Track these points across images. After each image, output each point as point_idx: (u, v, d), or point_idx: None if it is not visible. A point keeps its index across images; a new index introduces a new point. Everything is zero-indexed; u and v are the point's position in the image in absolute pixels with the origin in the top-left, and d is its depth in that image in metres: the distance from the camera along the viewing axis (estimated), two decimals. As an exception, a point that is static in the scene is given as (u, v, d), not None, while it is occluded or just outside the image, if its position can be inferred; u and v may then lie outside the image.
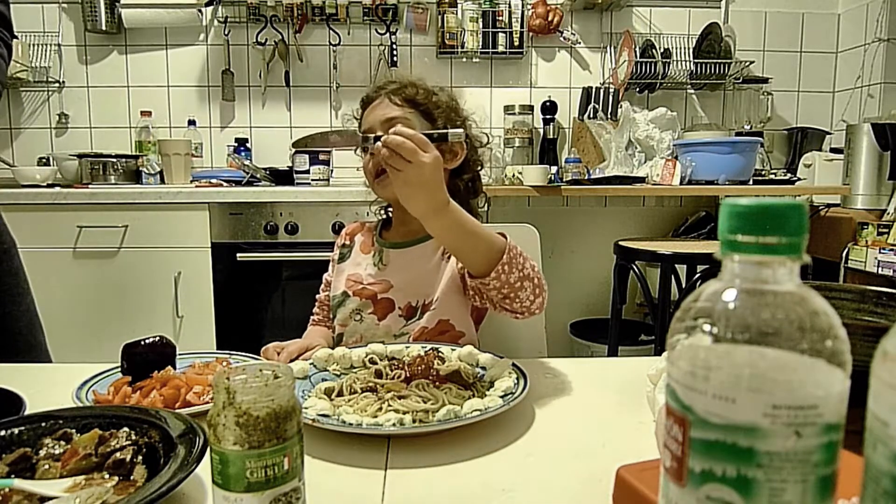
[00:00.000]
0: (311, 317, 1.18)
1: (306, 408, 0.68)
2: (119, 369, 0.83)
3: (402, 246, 1.06)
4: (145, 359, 0.81)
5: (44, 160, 2.61)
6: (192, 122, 2.71)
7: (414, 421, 0.66)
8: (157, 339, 0.84)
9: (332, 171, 2.52)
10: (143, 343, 0.83)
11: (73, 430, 0.60)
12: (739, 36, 2.69)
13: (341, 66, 2.76)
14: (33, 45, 2.66)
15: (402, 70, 1.00)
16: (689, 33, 2.80)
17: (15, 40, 1.20)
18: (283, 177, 2.46)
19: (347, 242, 1.15)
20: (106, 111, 2.76)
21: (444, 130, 0.86)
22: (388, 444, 0.65)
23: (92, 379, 0.80)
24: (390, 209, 1.15)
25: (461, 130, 0.85)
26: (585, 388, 0.83)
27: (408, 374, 0.77)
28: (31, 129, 2.74)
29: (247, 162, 2.49)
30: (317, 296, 1.18)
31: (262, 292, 2.23)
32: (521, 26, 2.71)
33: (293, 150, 0.85)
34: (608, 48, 2.80)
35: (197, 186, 2.31)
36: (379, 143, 0.76)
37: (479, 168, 1.11)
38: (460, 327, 1.01)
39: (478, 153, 1.10)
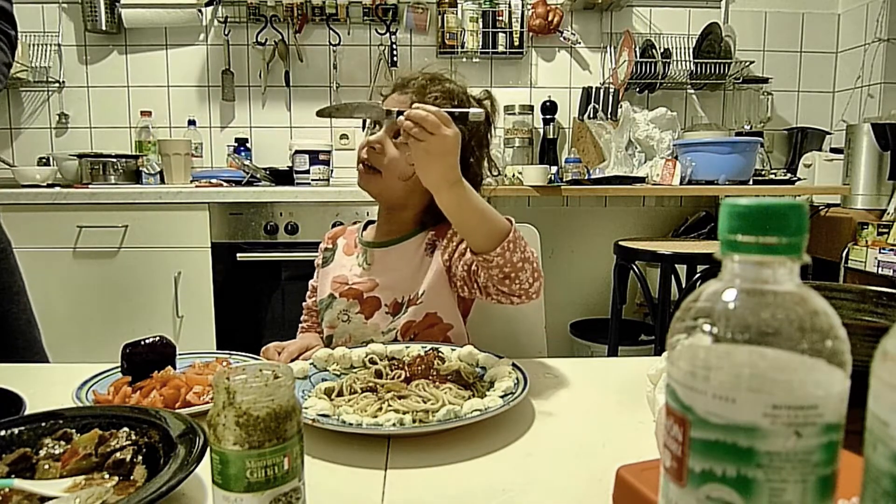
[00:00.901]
0: (300, 324, 1.17)
1: (306, 408, 0.68)
2: (119, 369, 0.83)
3: (385, 245, 1.06)
4: (145, 359, 0.81)
5: (44, 160, 2.61)
6: (192, 122, 2.71)
7: (414, 421, 0.66)
8: (157, 339, 0.84)
9: (332, 171, 2.52)
10: (143, 343, 0.83)
11: (73, 430, 0.60)
12: (739, 36, 2.69)
13: (341, 66, 2.76)
14: (33, 45, 2.66)
15: (444, 69, 0.99)
16: (689, 33, 2.80)
17: (17, 39, 1.19)
18: (283, 177, 2.46)
19: (330, 246, 1.15)
20: (106, 111, 2.76)
21: (466, 109, 0.87)
22: (388, 444, 0.65)
23: (92, 379, 0.80)
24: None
25: (481, 110, 0.86)
26: (585, 388, 0.84)
27: (408, 374, 0.77)
28: (31, 129, 2.74)
29: (247, 162, 2.49)
30: (304, 302, 1.17)
31: (262, 292, 2.23)
32: (521, 26, 2.71)
33: (318, 117, 0.89)
34: (608, 48, 2.81)
35: (197, 186, 2.31)
36: (402, 118, 0.79)
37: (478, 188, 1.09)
38: (448, 319, 1.02)
39: (480, 180, 1.08)
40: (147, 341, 0.83)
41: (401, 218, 1.07)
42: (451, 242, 1.01)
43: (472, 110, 0.85)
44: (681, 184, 2.36)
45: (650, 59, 2.65)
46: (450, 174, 0.81)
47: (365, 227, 1.14)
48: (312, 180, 2.42)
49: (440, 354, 0.84)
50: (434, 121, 0.78)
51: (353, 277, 1.06)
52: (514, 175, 2.40)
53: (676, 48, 2.72)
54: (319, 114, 0.90)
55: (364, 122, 1.02)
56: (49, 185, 2.32)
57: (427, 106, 0.79)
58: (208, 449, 0.45)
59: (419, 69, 1.08)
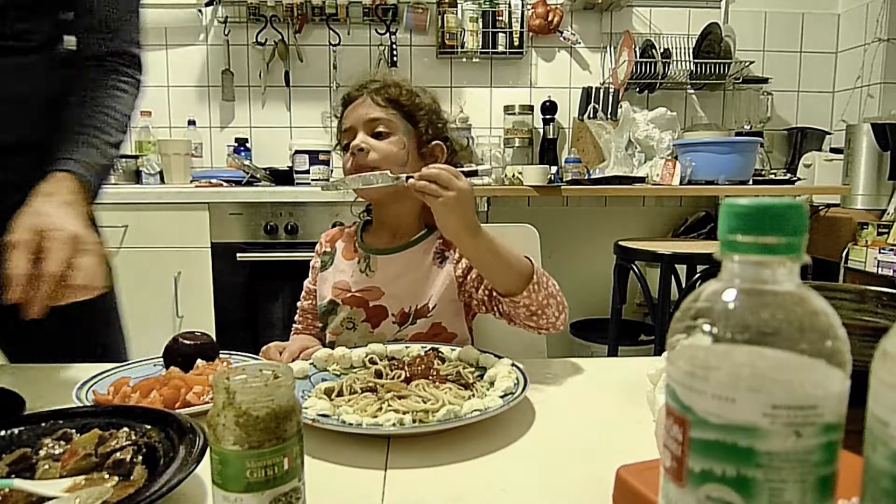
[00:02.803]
0: (294, 325, 1.15)
1: (306, 408, 0.68)
2: (119, 369, 0.83)
3: (389, 252, 1.05)
4: (186, 353, 0.84)
5: (44, 160, 2.60)
6: (191, 122, 2.71)
7: (414, 421, 0.66)
8: (203, 338, 0.87)
9: (331, 171, 2.52)
10: (184, 343, 0.85)
11: (73, 430, 0.60)
12: (739, 36, 2.69)
13: (341, 66, 2.76)
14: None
15: (384, 70, 1.02)
16: (689, 33, 2.80)
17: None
18: (283, 177, 2.46)
19: (328, 249, 1.12)
20: (106, 111, 2.75)
21: (473, 168, 0.90)
22: (388, 444, 0.65)
23: (92, 379, 0.80)
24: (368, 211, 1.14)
25: (489, 167, 0.88)
26: (585, 388, 0.84)
27: (408, 374, 0.77)
28: (31, 129, 2.74)
29: (247, 162, 2.50)
30: (298, 303, 1.15)
31: (262, 292, 2.23)
32: (521, 26, 2.71)
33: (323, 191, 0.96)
34: (608, 48, 2.81)
35: (197, 186, 2.31)
36: (411, 181, 0.83)
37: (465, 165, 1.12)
38: (452, 329, 1.02)
39: (457, 156, 1.10)
40: (189, 341, 0.86)
41: (402, 218, 1.05)
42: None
43: (480, 168, 0.91)
44: (681, 184, 2.36)
45: (650, 59, 2.65)
46: (469, 223, 0.84)
47: (363, 229, 1.13)
48: (312, 180, 2.42)
49: (440, 354, 0.84)
50: (447, 176, 0.82)
51: (356, 284, 1.04)
52: (514, 175, 2.40)
53: (676, 48, 2.72)
54: (324, 188, 0.97)
55: (345, 145, 1.04)
56: (49, 185, 2.31)
57: (437, 165, 0.84)
58: (208, 449, 0.45)
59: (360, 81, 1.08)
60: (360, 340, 1.01)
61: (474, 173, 0.88)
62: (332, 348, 1.04)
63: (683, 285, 2.16)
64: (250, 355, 0.91)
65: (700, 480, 0.31)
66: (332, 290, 1.06)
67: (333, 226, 2.16)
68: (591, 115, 2.68)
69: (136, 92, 1.03)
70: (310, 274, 1.15)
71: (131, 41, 1.02)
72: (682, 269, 2.11)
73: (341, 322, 1.03)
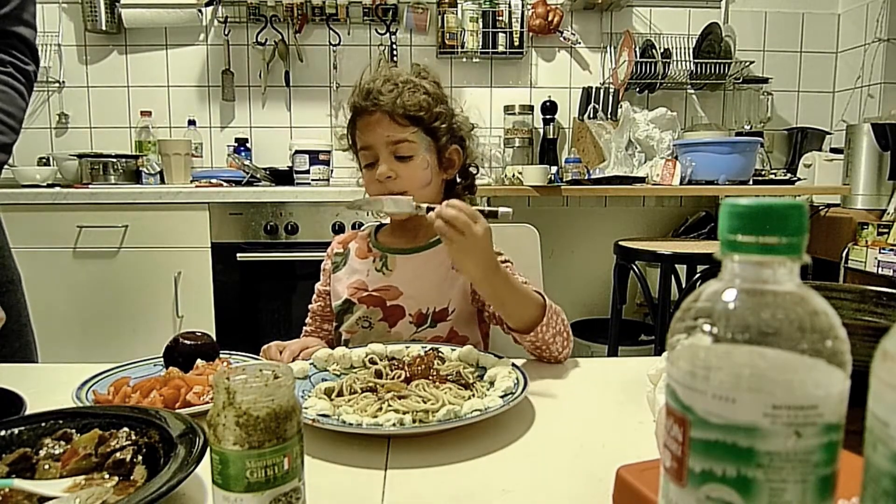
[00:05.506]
0: (304, 327, 1.16)
1: (306, 408, 0.68)
2: (120, 369, 0.83)
3: (408, 252, 1.05)
4: (186, 353, 0.84)
5: (44, 160, 2.61)
6: (192, 122, 2.71)
7: (414, 421, 0.66)
8: (203, 338, 0.86)
9: (331, 171, 2.52)
10: (185, 343, 0.85)
11: (73, 430, 0.60)
12: (739, 36, 2.69)
13: (341, 66, 2.76)
14: (33, 45, 2.65)
15: (387, 68, 1.01)
16: (689, 33, 2.80)
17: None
18: (283, 177, 2.46)
19: (341, 251, 1.13)
20: (106, 111, 2.76)
21: (495, 209, 0.87)
22: (388, 444, 0.65)
23: (92, 379, 0.80)
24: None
25: (510, 210, 0.86)
26: (585, 388, 0.84)
27: (408, 374, 0.77)
28: (31, 129, 2.74)
29: (247, 162, 2.50)
30: (309, 306, 1.16)
31: (262, 292, 2.23)
32: (521, 26, 2.71)
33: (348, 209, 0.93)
34: (608, 48, 2.80)
35: (197, 186, 2.31)
36: (432, 214, 0.83)
37: (476, 171, 1.13)
38: (464, 332, 1.03)
39: (474, 155, 1.11)
40: (190, 341, 0.85)
41: (423, 220, 1.05)
42: None
43: (500, 210, 0.86)
44: (681, 184, 2.36)
45: (650, 59, 2.65)
46: (486, 266, 0.84)
47: (376, 231, 1.13)
48: (312, 180, 2.42)
49: (440, 354, 0.84)
50: (464, 220, 0.80)
51: (372, 283, 1.04)
52: (514, 175, 2.39)
53: (676, 48, 2.72)
54: (349, 206, 0.96)
55: (366, 164, 1.03)
56: (49, 185, 2.32)
57: (457, 202, 0.82)
58: (208, 449, 0.45)
59: (367, 78, 1.07)
60: (377, 340, 1.02)
61: (494, 214, 0.86)
62: (347, 346, 1.05)
63: (683, 285, 2.16)
64: (250, 355, 0.91)
65: (700, 480, 0.31)
66: (348, 290, 1.06)
67: (334, 226, 2.17)
68: (592, 115, 2.68)
69: (29, 85, 0.86)
70: (321, 277, 1.15)
71: (17, 19, 0.83)
72: (682, 269, 2.11)
73: (357, 321, 1.03)
